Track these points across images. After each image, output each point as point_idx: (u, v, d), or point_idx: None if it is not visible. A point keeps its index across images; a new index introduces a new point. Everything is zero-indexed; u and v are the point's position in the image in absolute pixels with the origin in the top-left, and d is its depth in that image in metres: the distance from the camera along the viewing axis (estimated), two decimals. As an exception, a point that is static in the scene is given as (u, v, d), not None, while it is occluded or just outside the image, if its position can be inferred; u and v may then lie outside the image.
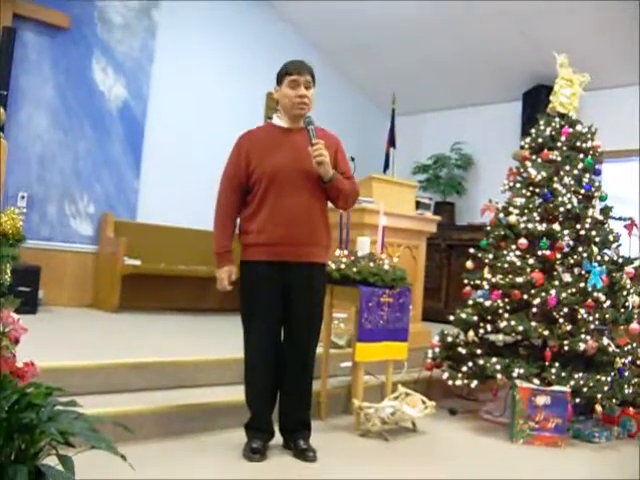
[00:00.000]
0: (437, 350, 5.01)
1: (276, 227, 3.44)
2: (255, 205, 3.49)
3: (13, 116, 6.23)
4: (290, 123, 3.61)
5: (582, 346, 4.41)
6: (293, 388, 3.61)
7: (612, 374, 4.51)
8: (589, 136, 5.13)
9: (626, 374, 4.60)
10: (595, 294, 4.58)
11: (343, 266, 4.16)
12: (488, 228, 5.17)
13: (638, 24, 6.72)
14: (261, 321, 3.50)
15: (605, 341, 4.54)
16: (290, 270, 3.47)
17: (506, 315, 4.65)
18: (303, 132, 3.50)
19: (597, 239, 4.81)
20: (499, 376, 4.46)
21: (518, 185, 5.13)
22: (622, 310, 4.78)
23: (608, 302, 4.68)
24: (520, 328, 4.51)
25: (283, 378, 3.59)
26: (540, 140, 5.18)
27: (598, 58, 7.19)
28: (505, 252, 4.89)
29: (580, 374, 4.41)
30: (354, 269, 4.15)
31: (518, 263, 4.75)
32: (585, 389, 4.34)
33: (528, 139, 5.29)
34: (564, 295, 4.53)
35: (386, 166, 8.98)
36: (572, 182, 4.95)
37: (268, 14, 8.57)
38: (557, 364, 4.47)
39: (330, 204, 3.70)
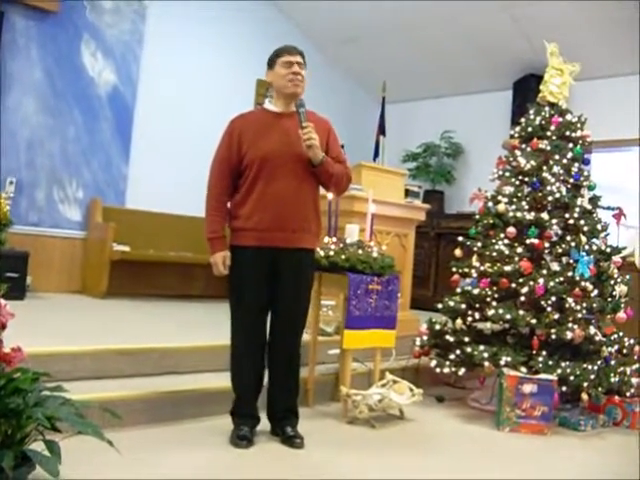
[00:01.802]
0: (425, 338, 5.03)
1: (265, 212, 3.43)
2: (245, 190, 3.48)
3: (1, 101, 6.18)
4: (283, 107, 3.59)
5: (569, 335, 4.43)
6: (280, 375, 3.61)
7: (598, 363, 4.54)
8: (578, 125, 5.13)
9: (612, 363, 4.63)
10: (583, 283, 4.60)
11: (332, 253, 4.15)
12: (477, 217, 5.18)
13: (629, 15, 6.72)
14: (248, 306, 3.50)
15: (592, 330, 4.56)
16: (278, 256, 3.46)
17: (494, 303, 4.67)
18: (295, 117, 3.48)
19: (585, 228, 4.82)
20: (486, 364, 4.48)
21: (507, 174, 5.14)
22: (609, 299, 4.81)
23: (595, 291, 4.70)
24: (508, 316, 4.53)
25: (270, 365, 3.60)
26: (530, 129, 5.18)
27: (589, 48, 7.19)
28: (494, 241, 4.91)
29: (567, 363, 4.44)
30: (342, 256, 4.14)
31: (506, 252, 4.76)
32: (572, 377, 4.37)
33: (518, 128, 5.29)
34: (552, 284, 4.55)
35: (376, 154, 8.99)
36: (561, 171, 4.96)
37: (259, 1, 8.52)
38: (544, 352, 4.49)
39: (323, 190, 3.70)
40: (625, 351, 4.84)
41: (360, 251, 4.22)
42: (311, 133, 3.40)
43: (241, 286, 3.51)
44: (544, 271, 4.66)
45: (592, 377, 4.41)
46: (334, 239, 4.27)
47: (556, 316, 4.55)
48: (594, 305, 4.63)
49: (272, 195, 3.43)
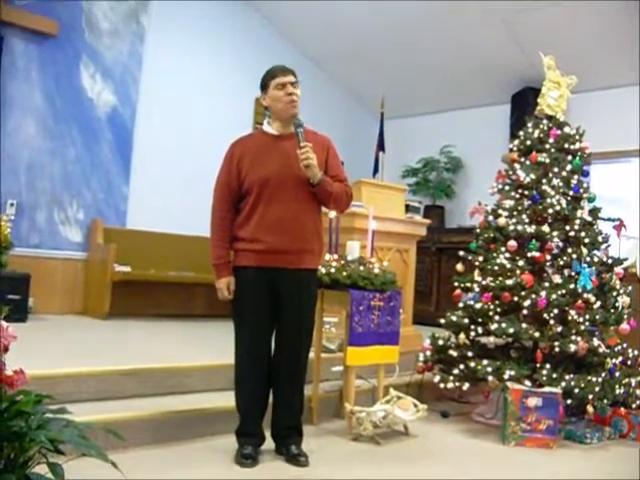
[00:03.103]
0: (428, 353, 5.02)
1: (266, 235, 3.43)
2: (246, 213, 3.50)
3: (1, 123, 6.20)
4: (281, 129, 3.59)
5: (573, 347, 4.42)
6: (284, 396, 3.60)
7: (603, 375, 4.52)
8: (577, 138, 5.15)
9: (617, 374, 4.61)
10: (585, 295, 4.59)
11: (333, 270, 4.16)
12: (478, 231, 5.18)
13: (626, 26, 6.76)
14: (251, 327, 3.50)
15: (595, 342, 4.55)
16: (280, 275, 3.47)
17: (497, 317, 4.66)
18: (293, 138, 3.48)
19: (586, 240, 4.82)
20: (490, 378, 4.47)
21: (507, 187, 5.15)
22: (612, 311, 4.80)
23: (598, 303, 4.69)
24: (511, 330, 4.52)
25: (274, 384, 3.59)
26: (528, 142, 5.19)
27: (586, 59, 7.22)
28: (495, 254, 4.90)
29: (571, 375, 4.43)
30: (344, 273, 4.15)
31: (508, 265, 4.76)
32: (576, 390, 4.35)
33: (516, 141, 5.31)
34: (554, 297, 4.54)
35: (375, 170, 8.99)
36: (561, 184, 4.97)
37: (257, 19, 8.59)
38: (548, 365, 4.48)
39: (324, 208, 3.70)
40: (629, 362, 4.83)
41: (362, 267, 4.22)
42: (309, 153, 3.39)
43: (244, 306, 3.51)
44: (546, 284, 4.66)
45: (597, 389, 4.40)
46: (335, 256, 4.28)
47: (559, 329, 4.54)
48: (597, 317, 4.62)
49: (272, 218, 3.44)
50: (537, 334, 4.52)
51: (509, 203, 5.04)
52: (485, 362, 4.52)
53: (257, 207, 3.46)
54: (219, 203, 3.58)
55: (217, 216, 3.59)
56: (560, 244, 4.84)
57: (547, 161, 5.03)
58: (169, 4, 7.59)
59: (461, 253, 5.16)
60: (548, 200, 4.85)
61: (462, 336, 4.82)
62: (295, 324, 3.55)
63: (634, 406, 4.61)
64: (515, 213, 4.96)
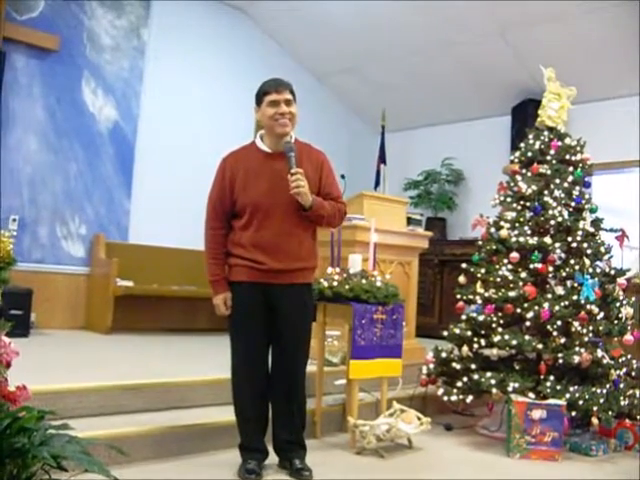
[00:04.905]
0: (432, 366, 5.00)
1: (261, 256, 3.42)
2: (240, 232, 3.48)
3: (3, 139, 6.22)
4: (273, 146, 3.54)
5: (576, 359, 4.41)
6: (283, 410, 3.58)
7: (607, 386, 4.51)
8: (578, 149, 5.15)
9: (621, 386, 4.59)
10: (588, 306, 4.58)
11: (335, 283, 4.15)
12: (480, 243, 5.18)
13: (626, 37, 6.78)
14: (246, 340, 3.49)
15: (599, 353, 4.53)
16: (274, 291, 3.46)
17: (500, 329, 4.64)
18: (285, 157, 3.44)
19: (589, 251, 4.81)
20: (494, 391, 4.45)
21: (509, 199, 5.15)
22: (615, 322, 4.78)
23: (601, 314, 4.68)
24: (514, 342, 4.51)
25: (272, 400, 3.58)
26: (530, 154, 5.19)
27: (586, 71, 7.23)
28: (497, 266, 4.90)
29: (575, 387, 4.41)
30: (346, 286, 4.14)
31: (510, 277, 4.75)
32: (581, 402, 4.33)
33: (518, 153, 5.31)
34: (557, 308, 4.53)
35: (377, 183, 9.02)
36: (562, 195, 4.97)
37: (257, 34, 8.63)
38: (552, 377, 4.46)
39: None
40: (634, 374, 4.81)
41: (364, 281, 4.21)
42: (299, 180, 3.34)
43: (239, 321, 3.50)
44: (549, 295, 4.65)
45: (601, 401, 4.38)
46: (337, 269, 4.27)
47: (562, 340, 4.53)
48: (600, 328, 4.61)
49: (266, 240, 3.42)
50: (540, 346, 4.51)
51: (511, 215, 5.03)
52: (488, 374, 4.51)
53: (249, 228, 3.44)
54: (212, 220, 3.56)
55: (210, 234, 3.57)
56: (562, 255, 4.83)
57: (548, 172, 5.03)
58: (169, 19, 7.64)
59: (463, 265, 5.15)
60: (550, 211, 4.85)
61: (465, 348, 4.81)
62: (291, 338, 3.53)
63: (639, 418, 4.58)
64: (517, 225, 4.95)
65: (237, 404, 3.55)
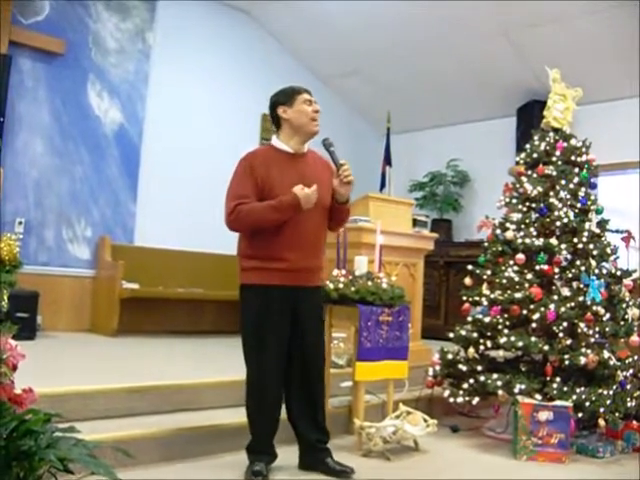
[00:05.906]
0: (438, 368, 4.99)
1: (291, 253, 3.44)
2: (269, 232, 3.44)
3: (9, 143, 6.24)
4: (297, 146, 3.58)
5: (583, 360, 4.40)
6: (308, 412, 3.61)
7: (614, 387, 4.49)
8: (583, 150, 5.14)
9: (628, 387, 4.57)
10: (594, 307, 4.57)
11: (341, 285, 4.15)
12: (485, 244, 5.17)
13: (629, 38, 6.76)
14: (270, 344, 3.46)
15: (606, 354, 4.52)
16: (299, 294, 3.49)
17: (506, 331, 4.63)
18: (307, 158, 3.56)
19: (595, 252, 4.81)
20: (500, 392, 4.44)
21: (514, 201, 5.14)
22: (622, 323, 4.77)
23: (607, 315, 4.67)
24: (520, 344, 4.50)
25: (296, 403, 3.59)
26: (535, 155, 5.19)
27: (590, 72, 7.22)
28: (503, 268, 4.89)
29: (582, 388, 4.40)
30: (352, 288, 4.14)
31: (516, 278, 4.74)
32: (587, 403, 4.32)
33: (523, 154, 5.30)
34: (563, 309, 4.52)
35: (382, 185, 9.02)
36: (568, 196, 4.96)
37: (262, 36, 8.65)
38: (558, 379, 4.45)
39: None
40: (640, 375, 4.80)
41: (369, 282, 4.22)
42: (350, 170, 3.50)
43: (263, 325, 3.46)
44: (555, 297, 4.64)
45: (608, 402, 4.36)
46: (343, 271, 4.27)
47: (569, 342, 4.52)
48: (607, 329, 4.60)
49: (296, 238, 3.45)
50: (547, 347, 4.50)
51: (517, 216, 5.02)
52: (495, 376, 4.50)
53: (282, 227, 3.43)
54: (240, 205, 3.40)
55: (244, 207, 3.39)
56: (568, 257, 4.82)
57: (554, 174, 5.02)
58: (174, 21, 7.66)
59: (469, 267, 5.15)
60: (556, 213, 4.84)
61: (471, 350, 4.80)
62: (313, 340, 3.58)
63: (646, 419, 4.57)
64: (523, 226, 4.95)
65: (252, 407, 3.54)
